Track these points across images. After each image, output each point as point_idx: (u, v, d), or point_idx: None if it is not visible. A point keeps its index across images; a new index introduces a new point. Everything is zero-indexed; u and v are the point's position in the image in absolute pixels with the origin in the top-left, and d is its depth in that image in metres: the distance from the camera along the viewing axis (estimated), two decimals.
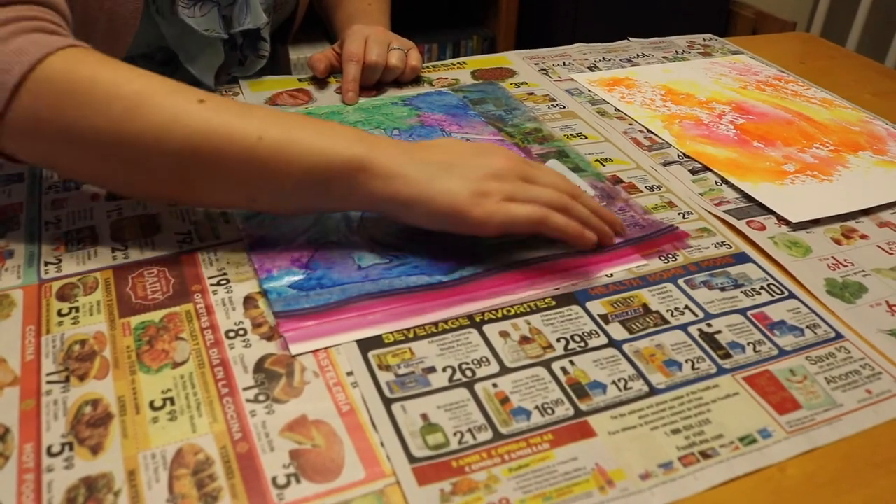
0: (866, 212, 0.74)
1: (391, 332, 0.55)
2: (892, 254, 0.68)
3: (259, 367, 0.52)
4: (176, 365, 0.51)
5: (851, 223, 0.72)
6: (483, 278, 0.60)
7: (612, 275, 0.62)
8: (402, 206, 0.59)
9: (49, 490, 0.43)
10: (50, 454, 0.45)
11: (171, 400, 0.49)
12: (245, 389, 0.50)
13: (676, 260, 0.64)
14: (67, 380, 0.50)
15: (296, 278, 0.59)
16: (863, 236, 0.70)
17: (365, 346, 0.54)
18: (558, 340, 0.55)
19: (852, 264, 0.66)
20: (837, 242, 0.69)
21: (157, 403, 0.49)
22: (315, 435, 0.47)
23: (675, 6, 2.34)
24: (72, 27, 0.64)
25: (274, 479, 0.44)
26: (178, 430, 0.47)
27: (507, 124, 0.86)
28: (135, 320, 0.55)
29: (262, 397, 0.49)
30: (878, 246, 0.69)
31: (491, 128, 0.84)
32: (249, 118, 0.57)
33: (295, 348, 0.53)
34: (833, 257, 0.67)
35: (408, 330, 0.55)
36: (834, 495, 0.46)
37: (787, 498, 0.46)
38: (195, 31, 0.82)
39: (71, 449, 0.45)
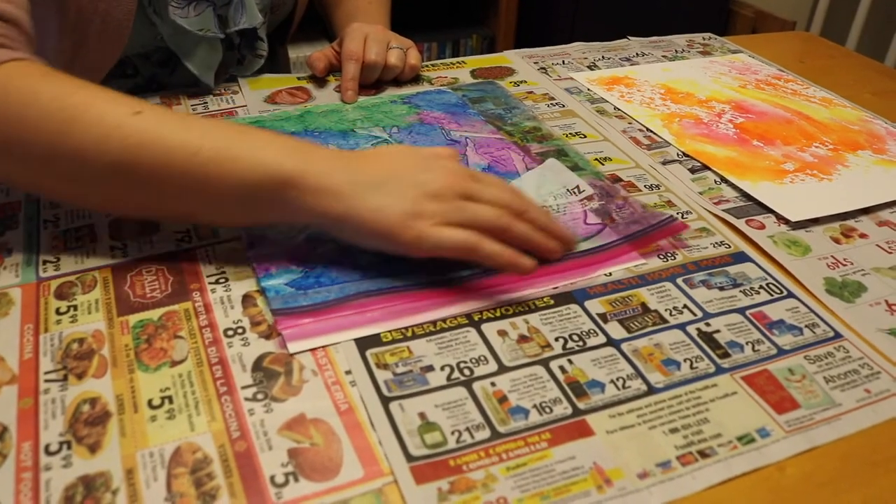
0: (866, 211, 0.74)
1: (389, 331, 0.55)
2: (891, 253, 0.68)
3: (257, 365, 0.52)
4: (174, 363, 0.51)
5: (851, 222, 0.72)
6: (482, 277, 0.60)
7: (610, 274, 0.62)
8: (332, 223, 0.57)
9: (47, 489, 0.43)
10: (48, 453, 0.45)
11: (170, 398, 0.49)
12: (243, 388, 0.50)
13: (675, 259, 0.64)
14: (66, 378, 0.50)
15: (294, 276, 0.59)
16: (862, 235, 0.70)
17: (363, 344, 0.54)
18: (556, 339, 0.55)
19: (851, 263, 0.66)
20: (837, 241, 0.69)
21: (156, 402, 0.48)
22: (313, 433, 0.47)
23: (674, 5, 2.35)
24: (33, 39, 0.63)
25: (272, 478, 0.44)
26: (176, 428, 0.47)
27: (507, 123, 0.85)
28: (133, 319, 0.55)
29: (260, 396, 0.49)
30: (877, 245, 0.69)
31: (490, 126, 0.84)
32: (186, 131, 0.56)
33: (293, 346, 0.53)
34: (832, 256, 0.67)
35: (406, 328, 0.55)
36: (833, 494, 0.46)
37: (786, 497, 0.46)
38: (194, 34, 0.82)
39: (69, 447, 0.45)
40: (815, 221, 0.72)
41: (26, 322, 0.54)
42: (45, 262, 0.60)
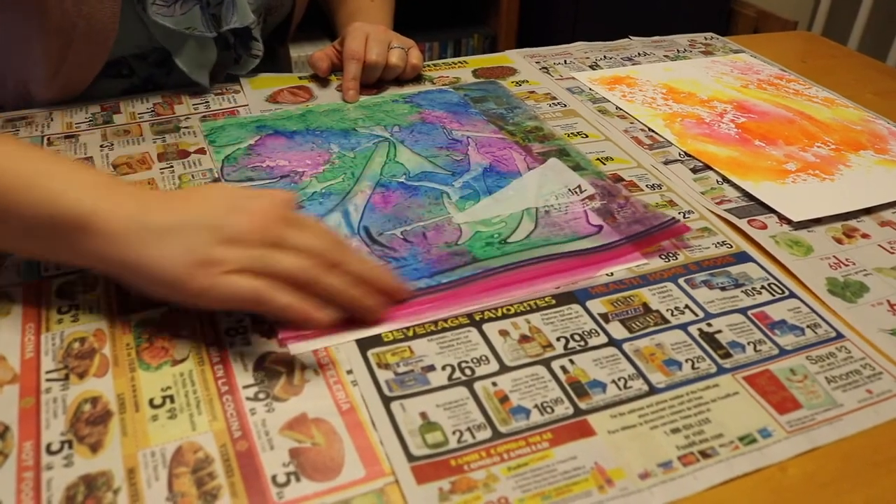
0: (868, 211, 0.74)
1: (390, 331, 0.55)
2: (893, 253, 0.68)
3: (259, 365, 0.52)
4: (175, 362, 0.51)
5: (853, 222, 0.72)
6: (483, 279, 0.60)
7: (612, 274, 0.62)
8: (123, 270, 0.52)
9: (48, 488, 0.43)
10: (49, 452, 0.45)
11: (171, 398, 0.49)
12: (245, 387, 0.50)
13: (677, 259, 0.64)
14: (67, 377, 0.50)
15: None
16: (864, 235, 0.70)
17: (364, 344, 0.54)
18: (558, 339, 0.55)
19: (854, 263, 0.66)
20: (839, 241, 0.69)
21: (157, 401, 0.48)
22: (315, 433, 0.47)
23: (676, 5, 2.34)
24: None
25: (274, 478, 0.44)
26: (177, 428, 0.47)
27: (508, 123, 0.85)
28: (134, 318, 0.55)
29: (261, 395, 0.49)
30: (879, 245, 0.69)
31: (492, 126, 0.84)
32: None
33: (294, 349, 0.53)
34: (834, 256, 0.67)
35: (407, 328, 0.55)
36: (835, 495, 0.46)
37: (788, 498, 0.45)
38: (180, 32, 0.82)
39: (70, 447, 0.45)
40: (818, 221, 0.71)
41: (28, 321, 0.54)
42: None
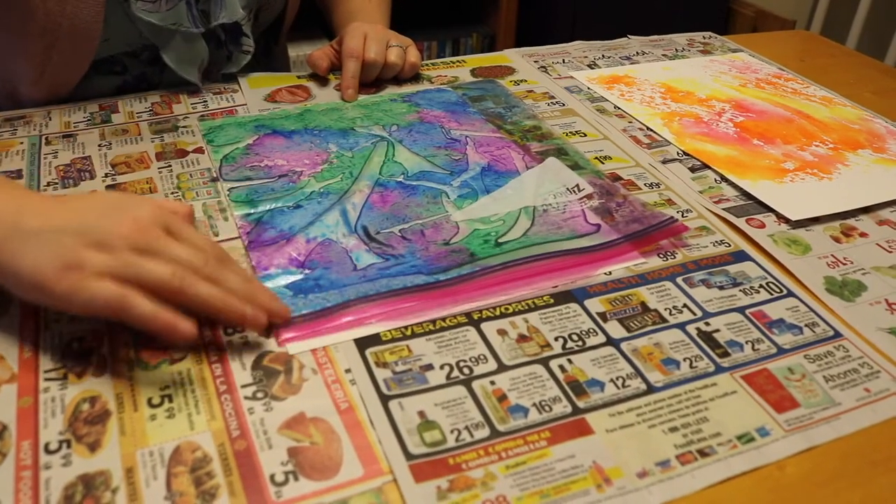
0: (866, 210, 0.74)
1: (389, 330, 0.55)
2: (891, 252, 0.68)
3: (257, 364, 0.52)
4: (174, 362, 0.51)
5: (851, 221, 0.72)
6: (481, 277, 0.60)
7: (610, 273, 0.62)
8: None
9: (47, 487, 0.43)
10: (48, 451, 0.45)
11: (169, 397, 0.49)
12: (243, 387, 0.50)
13: (675, 258, 0.64)
14: (65, 377, 0.50)
15: (293, 278, 0.59)
16: (862, 234, 0.70)
17: (362, 343, 0.54)
18: (556, 339, 0.55)
19: (852, 262, 0.66)
20: (837, 240, 0.69)
21: (155, 401, 0.48)
22: (313, 432, 0.47)
23: (675, 4, 2.34)
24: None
25: (272, 477, 0.44)
26: (176, 427, 0.47)
27: (507, 122, 0.85)
28: None
29: (260, 395, 0.49)
30: (877, 244, 0.69)
31: (490, 125, 0.84)
32: None
33: (293, 348, 0.53)
34: (832, 255, 0.67)
35: (405, 328, 0.55)
36: (833, 493, 0.46)
37: (786, 496, 0.46)
38: (165, 28, 0.82)
39: (69, 446, 0.45)
40: (816, 220, 0.72)
41: (26, 321, 0.54)
42: None
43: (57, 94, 0.85)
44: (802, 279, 0.63)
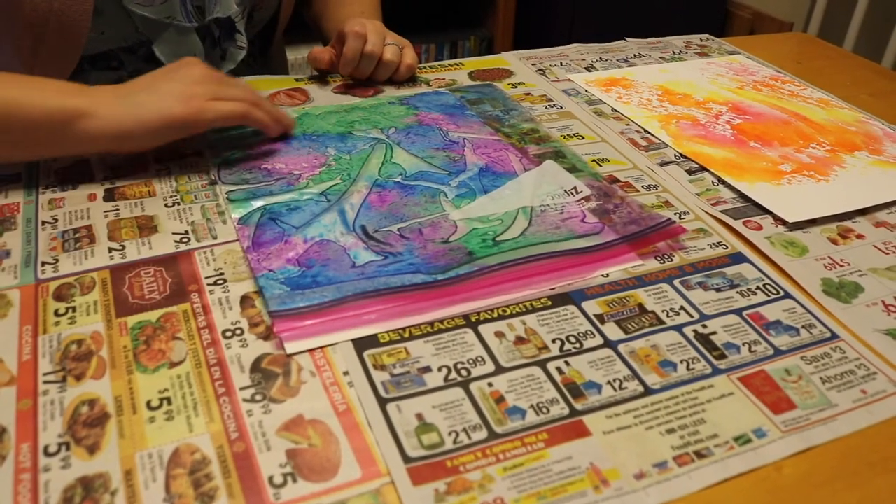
0: (863, 212, 0.74)
1: (387, 332, 0.55)
2: (888, 254, 0.68)
3: (256, 366, 0.52)
4: (173, 365, 0.51)
5: (848, 223, 0.72)
6: (479, 277, 0.60)
7: (608, 275, 0.62)
8: (125, 137, 0.67)
9: (46, 490, 0.43)
10: (47, 454, 0.45)
11: (168, 400, 0.49)
12: (242, 389, 0.50)
13: (672, 260, 0.65)
14: (64, 380, 0.50)
15: (291, 275, 0.59)
16: (859, 236, 0.70)
17: (361, 345, 0.54)
18: (553, 341, 0.55)
19: (848, 264, 0.66)
20: (834, 242, 0.69)
21: (154, 403, 0.49)
22: (311, 434, 0.47)
23: (672, 6, 2.35)
24: None
25: (270, 479, 0.44)
26: (174, 429, 0.47)
27: (505, 125, 0.86)
28: (132, 320, 0.55)
29: (258, 397, 0.49)
30: (874, 246, 0.69)
31: (488, 128, 0.84)
32: None
33: (290, 347, 0.53)
34: (829, 257, 0.67)
35: (403, 329, 0.55)
36: (830, 494, 0.46)
37: (784, 497, 0.46)
38: (159, 21, 0.82)
39: (68, 449, 0.45)
40: (813, 222, 0.72)
41: (25, 324, 0.54)
42: (43, 264, 0.60)
43: None
44: (800, 281, 0.63)
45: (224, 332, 0.54)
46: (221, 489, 0.43)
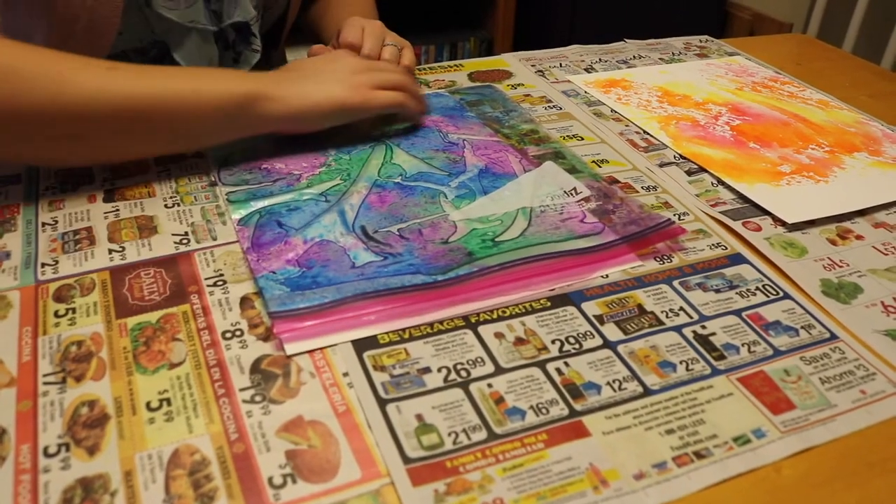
0: (862, 212, 0.74)
1: (386, 333, 0.55)
2: (887, 254, 0.68)
3: (255, 367, 0.52)
4: (172, 366, 0.52)
5: (847, 224, 0.72)
6: (478, 278, 0.60)
7: (607, 276, 0.62)
8: (300, 119, 0.73)
9: (45, 491, 0.43)
10: (46, 455, 0.45)
11: (168, 401, 0.49)
12: (241, 390, 0.50)
13: (672, 262, 0.65)
14: (64, 381, 0.50)
15: (291, 275, 0.59)
16: (858, 237, 0.70)
17: (360, 346, 0.54)
18: (553, 342, 0.55)
19: (848, 265, 0.66)
20: (833, 243, 0.69)
21: (154, 404, 0.49)
22: (311, 435, 0.47)
23: (672, 8, 2.35)
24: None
25: (270, 480, 0.44)
26: (174, 430, 0.47)
27: (504, 126, 0.86)
28: (131, 321, 0.55)
29: (258, 398, 0.49)
30: (873, 246, 0.69)
31: (488, 129, 0.85)
32: (155, 78, 0.67)
33: (290, 348, 0.53)
34: (829, 258, 0.67)
35: (403, 330, 0.55)
36: (829, 494, 0.46)
37: (783, 497, 0.46)
38: (182, 25, 0.83)
39: (67, 450, 0.45)
40: (812, 223, 0.72)
41: (25, 325, 0.54)
42: (43, 265, 0.60)
43: None
44: (799, 282, 0.63)
45: (224, 333, 0.54)
46: (221, 490, 0.43)
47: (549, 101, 0.94)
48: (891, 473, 0.48)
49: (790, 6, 2.50)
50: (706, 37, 1.22)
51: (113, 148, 0.69)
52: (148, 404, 0.49)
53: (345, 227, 0.66)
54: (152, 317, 0.55)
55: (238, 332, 0.54)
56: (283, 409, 0.49)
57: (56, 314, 0.55)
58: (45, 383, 0.50)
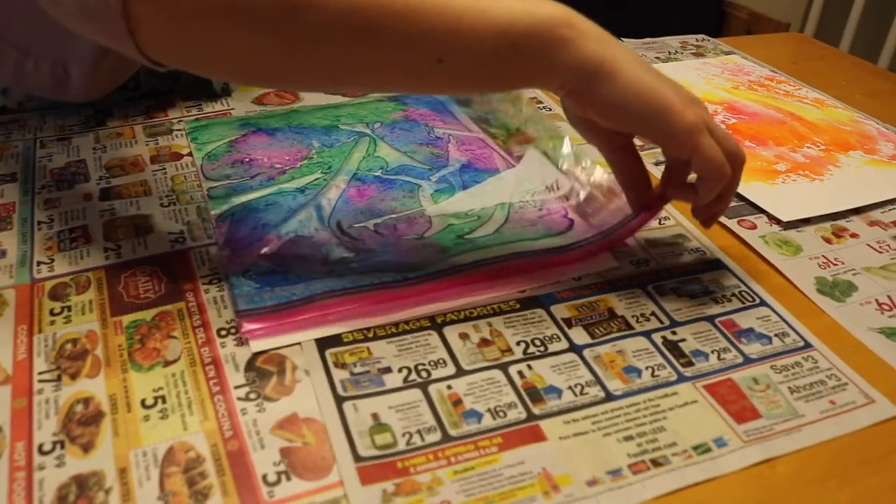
0: (857, 211, 0.74)
1: (350, 332, 0.54)
2: (881, 252, 0.68)
3: (250, 365, 0.52)
4: (167, 363, 0.52)
5: (842, 222, 0.72)
6: (450, 276, 0.59)
7: (580, 278, 0.61)
8: (614, 74, 0.53)
9: (40, 488, 0.43)
10: (41, 452, 0.45)
11: (163, 398, 0.49)
12: (236, 388, 0.50)
13: (648, 266, 0.64)
14: (59, 378, 0.50)
15: (262, 272, 0.59)
16: (853, 235, 0.70)
17: (323, 344, 0.53)
18: (518, 344, 0.54)
19: (842, 263, 0.66)
20: (828, 241, 0.69)
21: (149, 402, 0.49)
22: (306, 433, 0.47)
23: (668, 7, 2.35)
24: None
25: (264, 477, 0.44)
26: (169, 428, 0.47)
27: (492, 124, 0.86)
28: (127, 319, 0.55)
29: (253, 395, 0.49)
30: (868, 245, 0.69)
31: (475, 126, 0.85)
32: None
33: (256, 345, 0.53)
34: (823, 256, 0.67)
35: (367, 329, 0.55)
36: (823, 492, 0.46)
37: (777, 494, 0.46)
38: None
39: (62, 447, 0.45)
40: (807, 221, 0.72)
41: (20, 323, 0.54)
42: (39, 264, 0.60)
43: (108, 84, 0.83)
44: (793, 280, 0.63)
45: (219, 330, 0.54)
46: (215, 487, 0.43)
47: (539, 101, 0.94)
48: (885, 471, 0.48)
49: (787, 5, 2.50)
50: (703, 36, 1.22)
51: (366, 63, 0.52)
52: (143, 402, 0.49)
53: (320, 223, 0.65)
54: (147, 314, 0.55)
55: (233, 330, 0.54)
56: (278, 406, 0.49)
57: (51, 312, 0.55)
58: (41, 381, 0.50)
